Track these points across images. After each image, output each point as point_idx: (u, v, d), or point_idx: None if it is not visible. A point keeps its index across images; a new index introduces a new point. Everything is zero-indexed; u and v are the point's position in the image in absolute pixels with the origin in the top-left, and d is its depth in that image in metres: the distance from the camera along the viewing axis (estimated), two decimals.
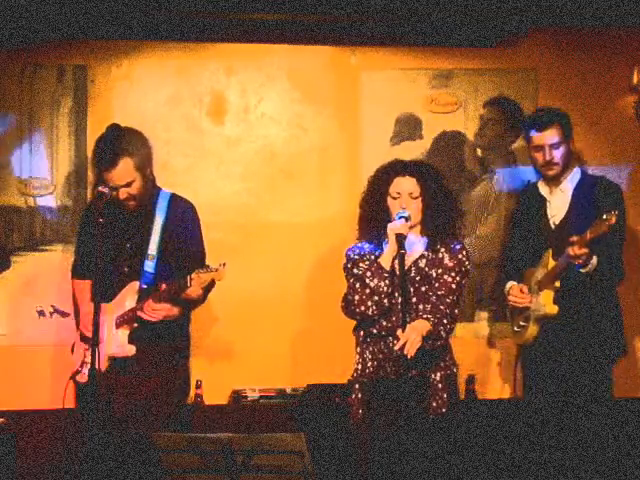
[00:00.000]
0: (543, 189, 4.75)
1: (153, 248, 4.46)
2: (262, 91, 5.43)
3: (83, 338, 4.49)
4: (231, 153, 5.41)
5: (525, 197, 4.89)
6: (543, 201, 4.73)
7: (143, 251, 4.46)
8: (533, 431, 4.67)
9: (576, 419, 4.55)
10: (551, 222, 4.70)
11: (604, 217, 4.17)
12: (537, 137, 4.65)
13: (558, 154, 4.63)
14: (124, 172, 4.35)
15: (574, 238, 4.30)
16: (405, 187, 4.17)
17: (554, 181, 4.70)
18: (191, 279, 4.21)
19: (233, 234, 5.33)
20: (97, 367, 4.00)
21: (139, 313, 4.37)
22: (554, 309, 4.50)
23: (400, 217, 4.10)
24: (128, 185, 4.38)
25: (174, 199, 4.58)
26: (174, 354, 4.50)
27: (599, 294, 4.56)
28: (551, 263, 4.53)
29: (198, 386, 5.16)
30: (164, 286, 4.32)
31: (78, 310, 4.62)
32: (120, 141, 4.38)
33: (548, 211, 4.72)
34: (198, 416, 5.04)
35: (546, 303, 4.52)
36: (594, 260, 4.39)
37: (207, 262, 4.41)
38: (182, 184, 5.26)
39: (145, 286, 4.42)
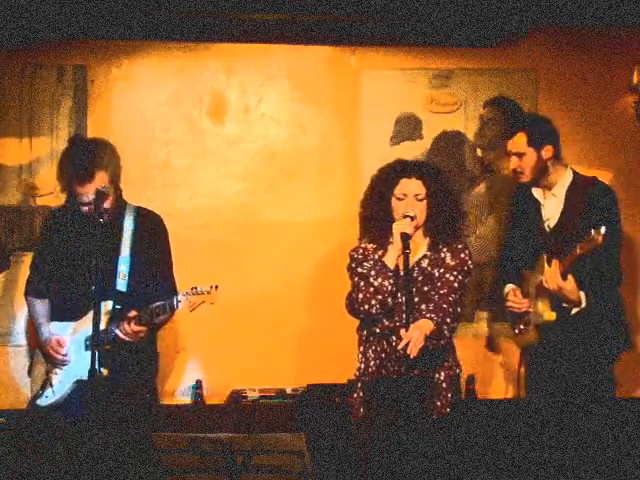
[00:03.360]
0: (537, 192, 4.71)
1: (124, 266, 4.26)
2: (262, 91, 5.43)
3: (47, 360, 4.33)
4: (231, 153, 5.41)
5: (519, 199, 4.85)
6: (537, 204, 4.72)
7: (112, 269, 4.25)
8: (533, 431, 4.67)
9: (576, 419, 4.54)
10: (545, 225, 4.69)
11: (592, 234, 4.14)
12: (506, 143, 4.66)
13: (523, 163, 4.58)
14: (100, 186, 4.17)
15: (553, 266, 4.31)
16: (411, 189, 4.15)
17: (546, 185, 4.68)
18: (178, 302, 4.10)
19: (233, 234, 5.33)
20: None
21: (118, 333, 4.19)
22: (552, 316, 4.49)
23: (406, 217, 4.10)
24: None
25: (141, 212, 4.39)
26: (142, 376, 4.38)
27: (598, 295, 4.55)
28: (546, 269, 4.52)
29: (198, 386, 5.16)
30: (135, 313, 4.15)
31: (36, 330, 4.41)
32: (94, 154, 4.20)
33: (543, 215, 4.71)
34: (198, 416, 5.04)
35: (544, 310, 4.52)
36: (583, 300, 4.39)
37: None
38: (182, 184, 5.28)
39: (119, 307, 4.23)
